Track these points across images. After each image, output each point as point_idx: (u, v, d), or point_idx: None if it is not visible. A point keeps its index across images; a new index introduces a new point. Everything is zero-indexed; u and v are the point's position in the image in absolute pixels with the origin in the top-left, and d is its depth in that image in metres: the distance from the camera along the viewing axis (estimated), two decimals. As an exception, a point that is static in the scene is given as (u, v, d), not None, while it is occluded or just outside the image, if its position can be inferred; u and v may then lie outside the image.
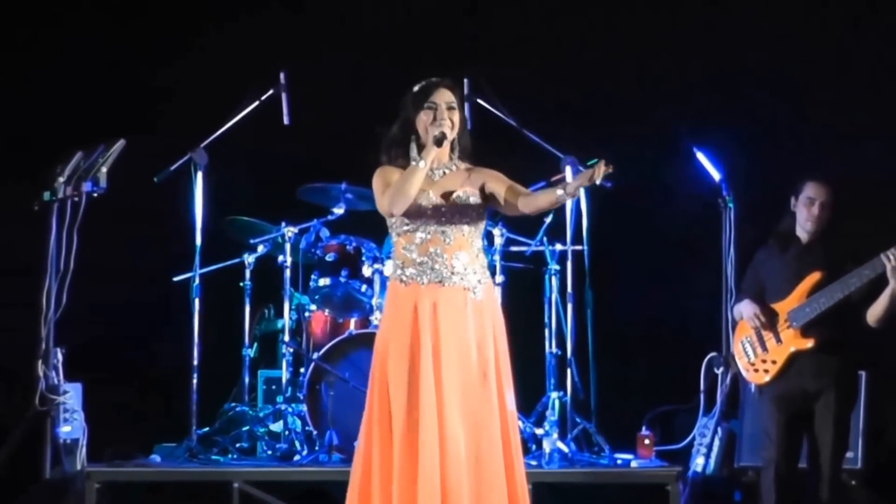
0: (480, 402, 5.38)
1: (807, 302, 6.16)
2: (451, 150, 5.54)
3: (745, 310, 6.29)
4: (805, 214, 6.26)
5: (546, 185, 7.24)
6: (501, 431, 5.40)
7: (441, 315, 5.40)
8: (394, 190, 5.41)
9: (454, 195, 5.49)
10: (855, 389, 6.31)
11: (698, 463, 7.09)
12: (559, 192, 5.38)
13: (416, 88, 5.52)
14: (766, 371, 6.24)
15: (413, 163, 5.44)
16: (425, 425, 5.29)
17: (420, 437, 5.28)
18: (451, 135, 5.50)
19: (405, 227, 5.48)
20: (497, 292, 7.16)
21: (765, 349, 6.25)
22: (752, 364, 6.29)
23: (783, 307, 6.23)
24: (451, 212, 5.47)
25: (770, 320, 6.22)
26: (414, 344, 5.38)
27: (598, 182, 5.23)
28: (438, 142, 5.44)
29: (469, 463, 5.32)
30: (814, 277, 6.17)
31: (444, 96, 5.50)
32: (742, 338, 6.35)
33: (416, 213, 5.44)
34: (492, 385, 5.42)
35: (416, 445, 5.28)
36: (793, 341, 6.18)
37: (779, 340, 6.22)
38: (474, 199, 5.51)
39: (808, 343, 6.15)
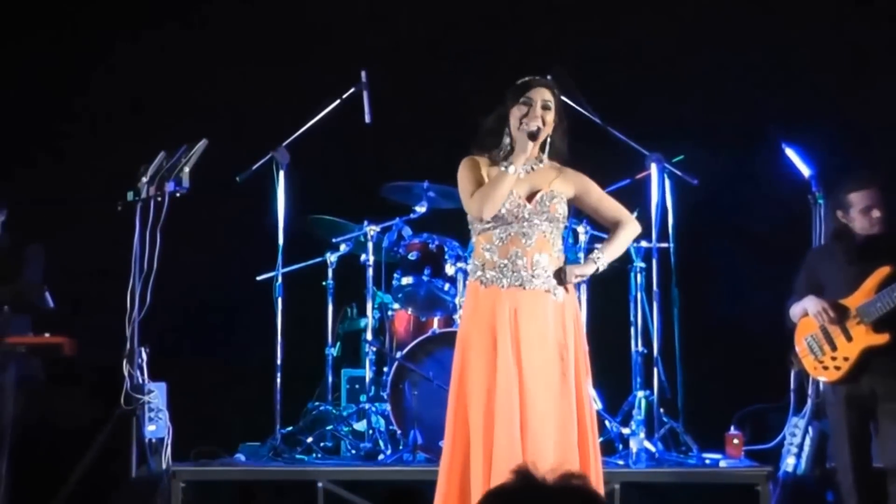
0: (560, 402, 5.31)
1: (877, 297, 5.99)
2: (542, 148, 5.47)
3: (811, 306, 6.12)
4: (868, 222, 6.08)
5: (630, 183, 7.17)
6: (579, 431, 5.33)
7: (522, 319, 5.34)
8: (482, 195, 5.35)
9: (538, 195, 5.41)
10: None
11: (789, 463, 6.95)
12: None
13: (517, 82, 5.47)
14: (838, 368, 6.09)
15: (502, 168, 5.38)
16: (503, 429, 5.21)
17: (496, 438, 5.21)
18: (543, 134, 5.43)
19: (485, 226, 5.41)
20: (581, 290, 7.10)
21: (833, 347, 6.09)
22: (821, 362, 6.15)
23: (851, 303, 6.07)
24: (533, 212, 5.40)
25: (839, 316, 6.07)
26: (492, 347, 5.32)
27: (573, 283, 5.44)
28: (532, 136, 5.36)
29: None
30: (883, 272, 6.01)
31: (542, 94, 5.44)
32: (806, 335, 6.19)
33: (497, 212, 5.38)
34: (570, 383, 5.35)
35: (491, 448, 5.21)
36: (865, 338, 6.03)
37: (849, 338, 6.06)
38: (558, 200, 5.43)
39: (883, 339, 5.99)
